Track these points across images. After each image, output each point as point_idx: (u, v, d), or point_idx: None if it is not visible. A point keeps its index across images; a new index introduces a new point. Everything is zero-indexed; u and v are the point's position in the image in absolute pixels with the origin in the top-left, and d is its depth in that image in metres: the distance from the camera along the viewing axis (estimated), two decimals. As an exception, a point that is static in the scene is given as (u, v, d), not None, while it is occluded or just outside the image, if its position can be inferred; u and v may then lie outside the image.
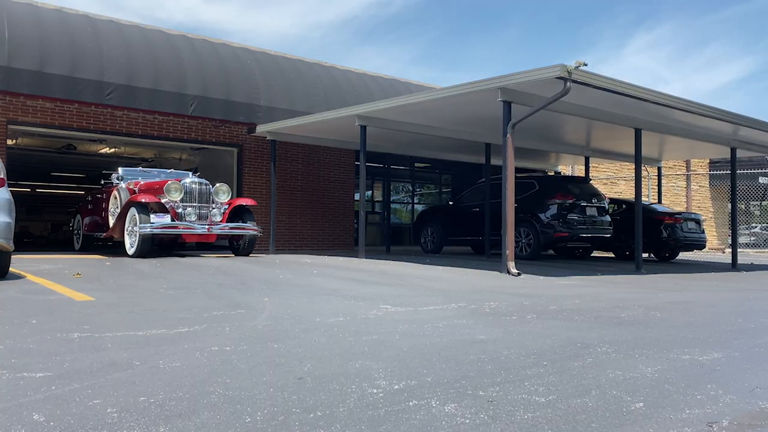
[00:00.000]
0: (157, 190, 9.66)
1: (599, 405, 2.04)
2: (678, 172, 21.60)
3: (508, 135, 7.94)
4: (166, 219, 8.99)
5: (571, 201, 11.16)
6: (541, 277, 7.36)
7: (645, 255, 12.63)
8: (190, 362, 2.51)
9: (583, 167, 15.08)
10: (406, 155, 15.78)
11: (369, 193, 17.94)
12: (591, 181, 13.11)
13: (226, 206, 9.74)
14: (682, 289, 6.64)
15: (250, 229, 9.66)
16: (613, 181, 19.78)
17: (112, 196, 10.43)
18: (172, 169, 11.86)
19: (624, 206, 13.09)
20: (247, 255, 9.84)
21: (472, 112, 9.72)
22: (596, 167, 18.82)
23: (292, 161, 13.98)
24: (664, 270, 9.89)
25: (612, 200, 13.18)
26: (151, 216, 8.87)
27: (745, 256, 16.39)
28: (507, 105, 8.07)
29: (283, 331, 3.27)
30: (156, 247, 10.15)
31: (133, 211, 9.03)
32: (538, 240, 11.08)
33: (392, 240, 16.67)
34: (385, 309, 4.21)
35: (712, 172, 21.94)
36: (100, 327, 3.27)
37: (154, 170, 11.37)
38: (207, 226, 9.28)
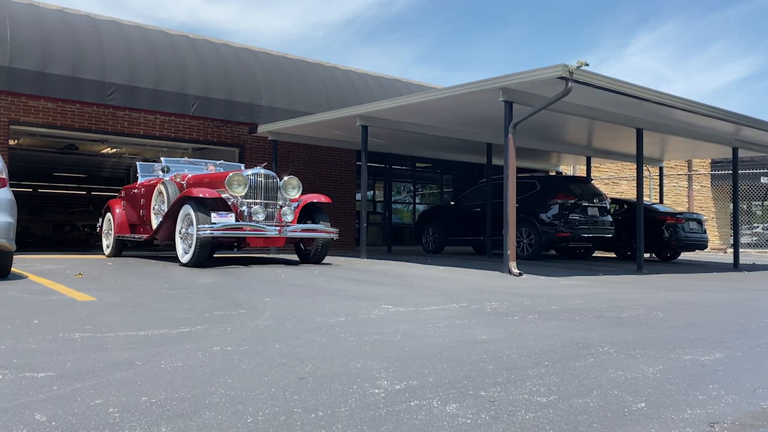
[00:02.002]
0: (210, 183, 8.21)
1: (601, 405, 2.04)
2: (680, 172, 21.58)
3: (509, 135, 7.94)
4: (230, 219, 7.39)
5: (572, 201, 11.16)
6: (543, 277, 7.35)
7: (647, 255, 12.62)
8: (191, 362, 2.52)
9: (585, 167, 15.07)
10: (408, 155, 15.78)
11: (370, 193, 17.95)
12: (592, 181, 13.10)
13: (295, 203, 8.27)
14: (684, 289, 6.64)
15: (326, 231, 8.20)
16: (614, 181, 19.77)
17: (155, 191, 8.80)
18: (221, 160, 10.41)
19: (625, 206, 13.08)
20: (319, 262, 8.44)
21: (473, 112, 9.72)
22: (598, 167, 18.80)
23: (294, 161, 13.99)
24: (666, 270, 9.88)
25: (613, 200, 13.17)
26: (212, 215, 7.30)
27: (747, 256, 16.37)
28: (508, 105, 8.07)
29: (284, 331, 3.27)
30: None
31: (187, 209, 7.51)
32: (539, 240, 11.07)
33: (393, 240, 16.67)
34: (386, 309, 4.21)
35: (713, 172, 21.91)
36: (101, 327, 3.28)
37: (201, 161, 9.93)
38: (278, 228, 7.76)
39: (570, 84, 7.24)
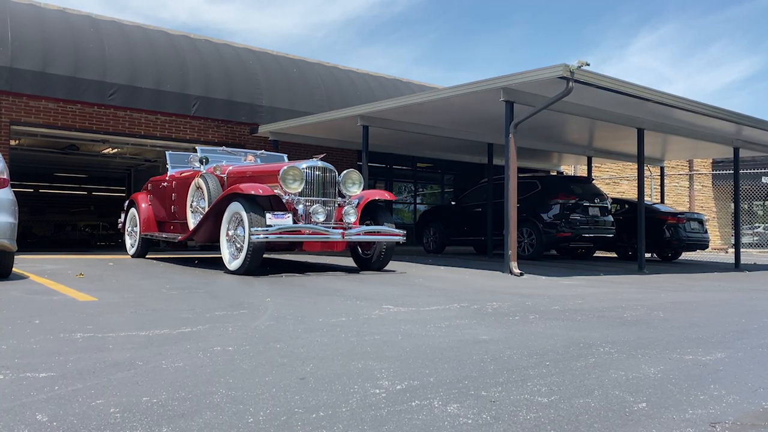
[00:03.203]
0: (256, 177, 7.12)
1: (602, 405, 2.04)
2: (681, 172, 21.56)
3: (510, 135, 7.94)
4: (288, 220, 6.34)
5: (573, 201, 11.15)
6: (544, 277, 7.35)
7: (648, 255, 12.61)
8: (192, 362, 2.52)
9: (586, 167, 15.06)
10: (409, 155, 15.77)
11: (371, 193, 17.91)
12: (593, 181, 13.10)
13: (355, 200, 7.17)
14: (685, 289, 6.63)
15: (393, 233, 7.17)
16: (615, 181, 19.76)
17: (192, 186, 7.71)
18: (262, 150, 9.34)
19: (627, 206, 13.07)
20: (380, 269, 7.47)
21: (474, 112, 9.72)
22: (599, 167, 18.80)
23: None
24: (667, 270, 9.88)
25: (614, 200, 13.16)
26: (267, 216, 6.27)
27: (748, 256, 16.36)
28: (509, 105, 8.07)
29: (285, 331, 3.27)
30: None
31: (236, 207, 6.48)
32: (540, 240, 11.07)
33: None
34: (387, 309, 4.21)
35: (715, 172, 21.90)
36: (102, 327, 3.28)
37: (240, 150, 8.94)
38: (340, 231, 6.64)
39: (571, 84, 7.24)
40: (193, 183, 7.74)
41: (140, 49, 11.89)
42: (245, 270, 6.37)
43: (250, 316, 3.75)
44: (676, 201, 20.87)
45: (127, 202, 9.73)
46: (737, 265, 11.52)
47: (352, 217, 6.95)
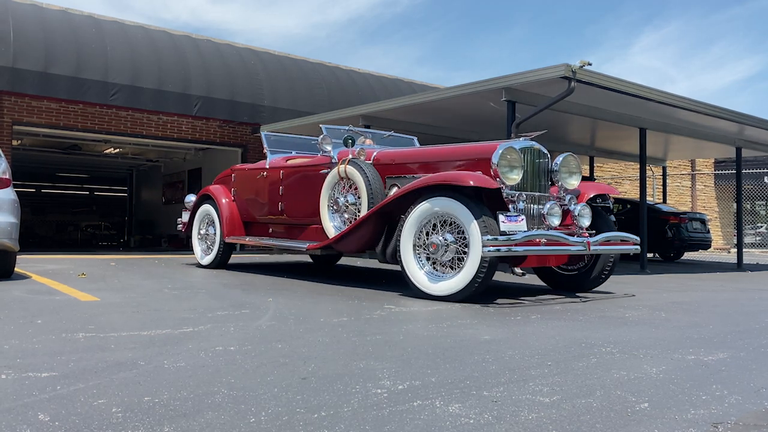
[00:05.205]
0: (428, 164, 5.46)
1: (604, 405, 2.04)
2: (683, 172, 21.53)
3: (512, 135, 7.93)
4: (522, 224, 4.58)
5: (575, 201, 11.10)
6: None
7: (650, 255, 12.59)
8: (194, 362, 2.52)
9: (588, 167, 15.05)
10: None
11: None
12: (596, 181, 13.08)
13: (573, 196, 5.33)
14: (687, 289, 6.62)
15: (633, 242, 5.45)
16: (617, 180, 19.74)
17: (332, 176, 5.84)
18: (391, 131, 7.29)
19: (629, 206, 13.05)
20: (591, 289, 5.72)
21: (476, 111, 9.72)
22: (601, 167, 18.78)
23: (296, 161, 14.00)
24: (669, 270, 9.87)
25: (617, 200, 13.14)
26: (500, 218, 4.51)
27: (751, 256, 16.33)
28: (511, 104, 8.07)
29: (287, 331, 3.27)
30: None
31: (441, 205, 4.67)
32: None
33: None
34: (389, 309, 4.21)
35: (717, 172, 21.87)
36: (104, 327, 3.28)
37: (365, 131, 7.03)
38: (586, 240, 4.88)
39: (573, 84, 7.24)
40: (333, 172, 5.84)
41: (142, 49, 11.91)
42: (465, 296, 4.52)
43: (251, 316, 3.75)
44: (678, 201, 20.84)
45: (192, 197, 7.94)
46: (739, 265, 11.50)
47: (586, 220, 5.23)
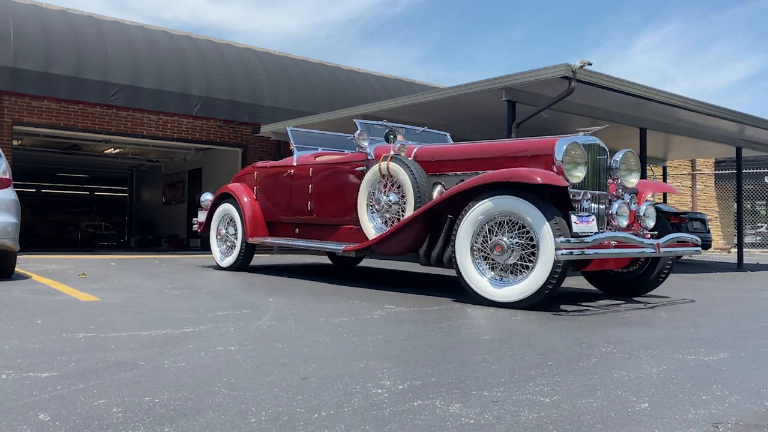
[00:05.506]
0: (473, 162, 5.15)
1: (604, 405, 2.04)
2: (683, 172, 21.53)
3: (512, 135, 7.93)
4: (593, 225, 4.30)
5: (575, 201, 11.10)
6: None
7: (650, 255, 12.55)
8: (195, 362, 2.52)
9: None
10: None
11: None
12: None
13: (631, 195, 5.06)
14: (688, 288, 6.62)
15: (695, 243, 5.17)
16: (617, 180, 19.70)
17: (373, 174, 5.52)
18: (425, 127, 6.87)
19: (629, 206, 13.04)
20: (645, 293, 5.50)
21: (476, 111, 9.72)
22: (601, 167, 18.71)
23: (297, 161, 14.00)
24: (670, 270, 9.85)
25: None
26: (572, 218, 4.23)
27: (751, 255, 16.33)
28: (511, 104, 8.07)
29: (287, 331, 3.27)
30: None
31: (504, 205, 4.35)
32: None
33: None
34: (389, 309, 4.21)
35: (717, 172, 21.86)
36: (105, 327, 3.28)
37: (401, 126, 6.57)
38: (655, 242, 4.66)
39: (573, 84, 7.24)
40: (373, 170, 5.50)
41: (142, 49, 11.91)
42: (538, 301, 4.22)
43: (252, 316, 3.75)
44: (678, 201, 20.84)
45: (208, 196, 7.63)
46: (740, 265, 11.50)
47: (651, 221, 5.05)
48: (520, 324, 3.70)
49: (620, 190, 5.04)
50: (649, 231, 5.06)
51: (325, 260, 9.44)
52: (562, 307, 4.54)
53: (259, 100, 12.89)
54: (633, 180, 5.04)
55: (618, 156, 4.98)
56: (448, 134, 7.15)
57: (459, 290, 5.54)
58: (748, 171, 18.39)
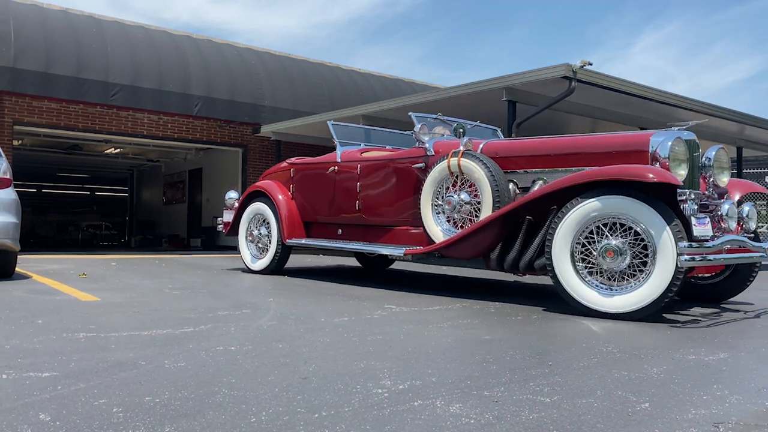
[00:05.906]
0: (546, 158, 4.75)
1: (604, 405, 2.04)
2: (683, 172, 21.50)
3: (512, 135, 7.93)
4: (708, 228, 3.95)
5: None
6: (547, 277, 7.33)
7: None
8: (195, 362, 2.52)
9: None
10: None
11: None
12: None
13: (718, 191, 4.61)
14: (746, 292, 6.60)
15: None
16: (618, 180, 19.71)
17: (440, 171, 5.01)
18: (476, 122, 6.17)
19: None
20: (738, 294, 5.11)
21: (477, 111, 9.72)
22: (601, 167, 18.71)
23: (297, 161, 14.00)
24: (670, 270, 9.84)
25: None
26: (692, 221, 3.87)
27: (751, 255, 16.27)
28: (512, 104, 8.07)
29: (287, 331, 3.27)
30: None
31: (629, 207, 3.88)
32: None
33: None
34: (389, 309, 4.21)
35: (717, 172, 21.81)
36: (105, 327, 3.29)
37: (454, 119, 5.90)
38: (765, 245, 4.34)
39: (573, 83, 7.24)
40: (440, 167, 5.01)
41: (143, 49, 11.91)
42: (655, 311, 3.84)
43: (252, 316, 3.75)
44: (678, 201, 20.81)
45: (234, 194, 7.16)
46: (740, 265, 11.47)
47: (753, 223, 4.71)
48: (520, 324, 3.69)
49: (711, 190, 4.57)
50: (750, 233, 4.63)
51: (348, 262, 9.45)
52: (665, 315, 4.19)
53: (259, 100, 12.89)
54: (725, 179, 4.65)
55: (710, 153, 4.52)
56: (498, 129, 6.59)
57: (462, 291, 5.54)
58: (748, 171, 18.38)
